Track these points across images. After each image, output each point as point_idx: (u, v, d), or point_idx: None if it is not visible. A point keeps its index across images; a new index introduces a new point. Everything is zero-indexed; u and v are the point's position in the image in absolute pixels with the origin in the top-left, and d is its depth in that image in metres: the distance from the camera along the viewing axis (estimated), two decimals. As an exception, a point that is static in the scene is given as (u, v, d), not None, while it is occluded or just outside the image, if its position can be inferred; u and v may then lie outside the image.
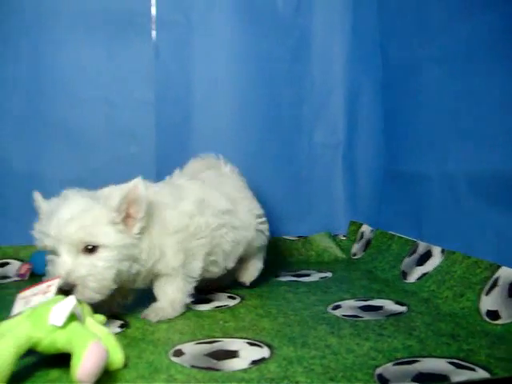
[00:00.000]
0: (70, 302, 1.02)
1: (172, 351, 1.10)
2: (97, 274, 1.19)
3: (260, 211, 1.63)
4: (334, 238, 2.13)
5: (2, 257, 1.91)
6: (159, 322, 1.31)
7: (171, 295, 1.36)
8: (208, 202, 1.44)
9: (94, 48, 1.95)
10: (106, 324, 1.18)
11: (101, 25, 1.94)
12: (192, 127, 2.01)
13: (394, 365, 1.00)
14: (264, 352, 1.09)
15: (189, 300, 1.38)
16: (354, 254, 2.02)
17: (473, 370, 0.97)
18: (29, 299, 1.09)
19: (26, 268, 1.83)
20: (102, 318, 1.19)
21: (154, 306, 1.36)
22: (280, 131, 2.08)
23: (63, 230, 1.17)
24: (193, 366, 1.02)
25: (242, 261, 1.60)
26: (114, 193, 1.25)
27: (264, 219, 1.63)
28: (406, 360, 1.02)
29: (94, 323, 1.09)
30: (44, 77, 1.93)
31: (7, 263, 1.90)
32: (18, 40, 1.91)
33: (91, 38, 1.95)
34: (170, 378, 0.97)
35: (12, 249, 1.92)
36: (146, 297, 1.38)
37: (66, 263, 1.18)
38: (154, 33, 1.98)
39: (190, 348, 1.12)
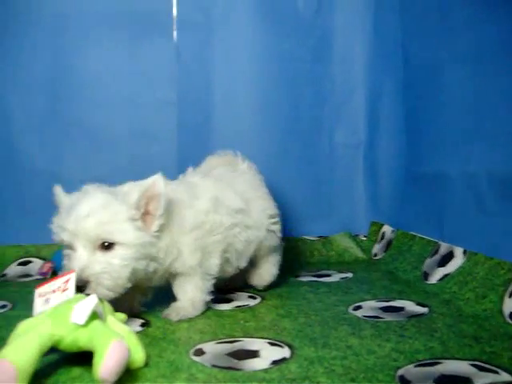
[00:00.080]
0: (92, 300, 1.03)
1: (193, 350, 1.11)
2: (112, 271, 1.18)
3: (273, 211, 1.60)
4: (354, 238, 2.13)
5: (24, 255, 1.93)
6: (180, 321, 1.31)
7: (191, 294, 1.36)
8: (222, 200, 1.43)
9: (117, 48, 1.97)
10: (126, 322, 1.18)
11: (123, 25, 1.96)
12: (213, 127, 2.02)
13: (416, 366, 1.00)
14: (285, 352, 1.09)
15: (208, 298, 1.38)
16: (375, 255, 2.02)
17: (496, 372, 0.96)
18: (48, 297, 1.09)
19: (47, 266, 1.84)
20: (122, 316, 1.19)
21: (175, 305, 1.36)
22: (301, 131, 2.08)
23: (81, 225, 1.17)
24: (214, 366, 1.02)
25: (254, 263, 1.59)
26: (133, 189, 1.24)
27: (277, 220, 1.60)
28: (427, 362, 1.02)
29: (116, 321, 1.10)
30: (67, 77, 1.95)
31: (29, 261, 1.92)
32: (41, 40, 1.93)
33: (114, 38, 1.97)
34: (191, 377, 0.97)
35: (34, 247, 1.95)
36: (167, 296, 1.38)
37: (82, 259, 1.18)
38: (175, 33, 1.99)
39: (211, 347, 1.12)
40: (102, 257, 1.19)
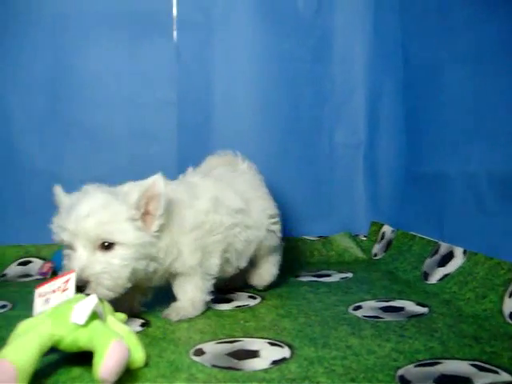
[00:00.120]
0: (92, 300, 1.03)
1: (193, 350, 1.11)
2: (112, 271, 1.18)
3: (273, 211, 1.59)
4: (354, 238, 2.13)
5: (25, 255, 1.93)
6: (180, 321, 1.31)
7: (191, 294, 1.36)
8: (222, 200, 1.43)
9: (117, 48, 1.98)
10: (126, 322, 1.18)
11: (123, 25, 1.97)
12: (213, 127, 2.02)
13: (416, 366, 1.00)
14: (285, 352, 1.09)
15: (208, 298, 1.38)
16: (375, 255, 2.02)
17: (496, 372, 0.96)
18: (48, 297, 1.09)
19: (47, 266, 1.84)
20: (122, 316, 1.19)
21: (175, 305, 1.36)
22: (301, 131, 2.08)
23: (81, 225, 1.17)
24: (214, 366, 1.02)
25: (254, 263, 1.59)
26: (134, 189, 1.24)
27: (277, 220, 1.60)
28: (427, 362, 1.02)
29: (115, 321, 1.10)
30: (67, 77, 1.96)
31: (29, 261, 1.92)
32: (42, 40, 1.94)
33: (114, 38, 1.97)
34: (191, 377, 0.97)
35: (34, 247, 1.95)
36: (167, 296, 1.38)
37: (82, 259, 1.18)
38: (175, 33, 1.99)
39: (211, 347, 1.12)
40: (102, 257, 1.19)
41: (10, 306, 1.48)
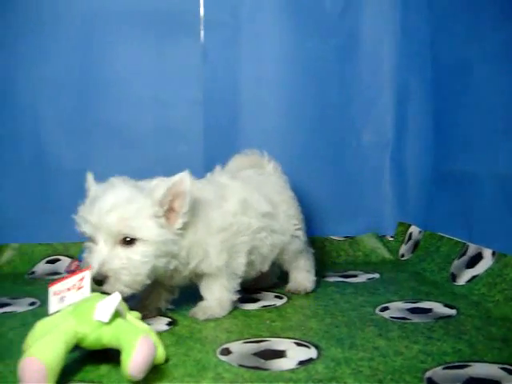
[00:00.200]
0: (116, 298, 1.03)
1: (219, 350, 1.11)
2: (131, 267, 1.17)
3: (298, 216, 1.59)
4: (381, 238, 2.11)
5: (53, 253, 1.96)
6: (207, 320, 1.31)
7: (218, 294, 1.36)
8: (250, 202, 1.42)
9: (144, 48, 1.99)
10: (151, 321, 1.18)
11: (150, 25, 1.98)
12: (239, 127, 2.02)
13: (444, 369, 0.99)
14: (311, 352, 1.08)
15: (235, 297, 1.38)
16: (402, 255, 2.00)
17: (526, 375, 0.95)
18: (63, 296, 1.09)
19: (75, 265, 1.85)
20: (137, 314, 1.18)
21: (202, 304, 1.36)
22: (328, 131, 2.07)
23: (103, 219, 1.17)
24: (240, 365, 1.02)
25: (288, 270, 1.61)
26: (160, 185, 1.23)
27: (301, 225, 1.59)
28: (456, 364, 1.01)
29: (134, 319, 1.10)
30: (94, 76, 1.97)
31: (58, 260, 1.94)
32: (69, 40, 1.95)
33: (141, 38, 1.98)
34: (218, 376, 0.97)
35: (62, 246, 1.97)
36: (193, 295, 1.39)
37: (102, 253, 1.17)
38: (202, 33, 1.99)
39: (238, 347, 1.13)
40: (123, 252, 1.18)
41: (39, 303, 1.50)
